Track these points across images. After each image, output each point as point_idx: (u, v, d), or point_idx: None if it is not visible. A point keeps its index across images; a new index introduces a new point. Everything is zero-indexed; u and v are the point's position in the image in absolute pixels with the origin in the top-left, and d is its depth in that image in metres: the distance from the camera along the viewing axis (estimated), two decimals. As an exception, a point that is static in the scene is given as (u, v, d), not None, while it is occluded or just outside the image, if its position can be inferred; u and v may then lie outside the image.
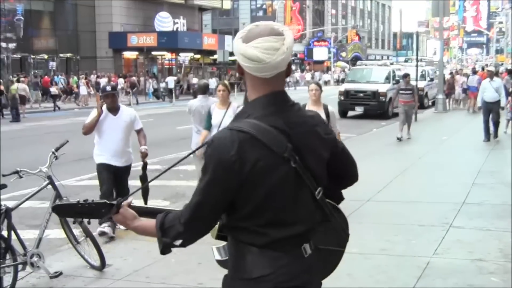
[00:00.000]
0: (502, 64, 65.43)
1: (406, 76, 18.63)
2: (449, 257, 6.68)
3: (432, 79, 31.61)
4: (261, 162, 2.30)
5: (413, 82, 22.45)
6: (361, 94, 24.85)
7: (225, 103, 8.69)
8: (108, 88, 7.79)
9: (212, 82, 41.45)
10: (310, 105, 8.23)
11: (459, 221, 8.09)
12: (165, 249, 2.45)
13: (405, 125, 17.39)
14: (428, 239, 7.33)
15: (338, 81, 60.30)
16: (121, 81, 40.98)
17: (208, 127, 8.76)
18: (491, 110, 16.31)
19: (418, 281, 5.91)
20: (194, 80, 41.87)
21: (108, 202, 2.55)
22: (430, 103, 30.22)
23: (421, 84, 29.60)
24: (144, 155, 7.79)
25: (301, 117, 2.44)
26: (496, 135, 16.56)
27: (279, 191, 2.34)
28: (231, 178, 2.30)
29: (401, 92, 18.01)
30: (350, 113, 25.58)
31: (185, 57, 48.61)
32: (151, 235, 2.49)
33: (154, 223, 2.46)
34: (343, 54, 76.99)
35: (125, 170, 7.87)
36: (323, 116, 7.73)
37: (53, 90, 33.46)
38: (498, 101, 16.45)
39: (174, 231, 2.39)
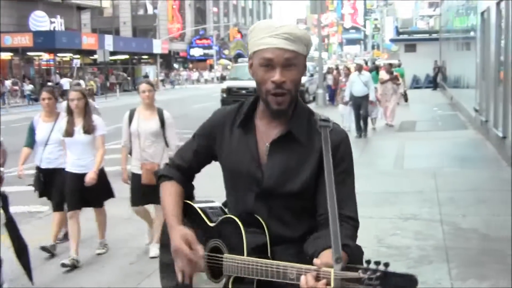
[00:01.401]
0: (378, 58, 67.99)
1: None
2: (327, 246, 6.86)
3: (312, 75, 32.36)
4: None
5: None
6: (243, 91, 25.09)
7: (51, 114, 7.05)
8: None
9: (65, 82, 40.39)
10: (142, 109, 6.84)
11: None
12: None
13: None
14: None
15: (221, 79, 60.65)
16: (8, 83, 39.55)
17: (30, 143, 7.13)
18: (360, 104, 16.11)
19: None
20: (63, 81, 41.03)
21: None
22: (311, 98, 30.95)
23: (302, 79, 30.17)
24: None
25: None
26: (365, 132, 16.33)
27: None
28: None
29: None
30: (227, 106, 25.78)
31: (76, 60, 47.23)
32: None
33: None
34: (226, 51, 77.45)
35: None
36: (157, 123, 6.74)
37: None
38: (367, 95, 16.17)
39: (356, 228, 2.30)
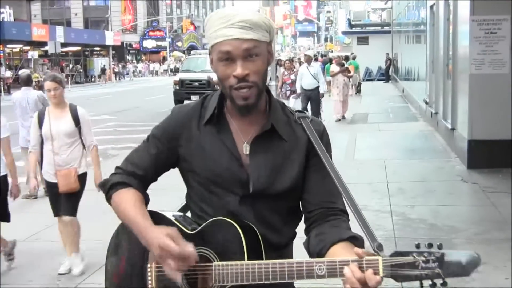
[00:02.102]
0: (332, 51, 68.48)
1: None
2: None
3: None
4: None
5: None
6: (196, 83, 24.98)
7: None
8: None
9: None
10: (52, 108, 6.08)
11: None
12: None
13: None
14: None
15: (174, 71, 60.27)
16: None
17: None
18: (310, 98, 15.96)
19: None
20: (8, 74, 40.60)
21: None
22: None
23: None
24: None
25: None
26: None
27: None
28: None
29: None
30: (186, 103, 25.77)
31: (33, 52, 46.41)
32: None
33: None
34: (179, 43, 76.94)
35: None
36: (70, 122, 6.02)
37: None
38: (317, 88, 15.83)
39: None
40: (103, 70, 56.88)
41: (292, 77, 17.02)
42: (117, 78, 59.82)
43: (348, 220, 2.08)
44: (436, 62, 15.07)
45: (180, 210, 2.30)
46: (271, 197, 2.09)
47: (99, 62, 58.03)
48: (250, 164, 2.09)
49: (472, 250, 1.72)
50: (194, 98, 24.71)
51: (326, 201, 2.09)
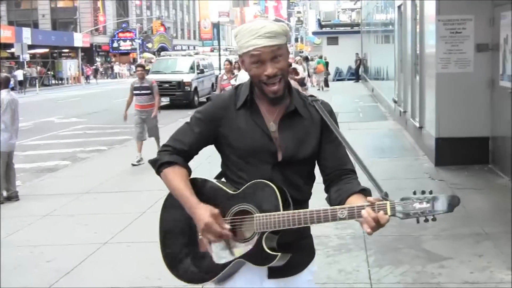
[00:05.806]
0: (302, 51, 68.70)
1: (137, 66, 13.54)
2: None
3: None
4: None
5: (216, 72, 22.04)
6: (167, 85, 24.92)
7: None
8: None
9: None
10: None
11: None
12: None
13: (144, 141, 12.42)
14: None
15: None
16: None
17: None
18: None
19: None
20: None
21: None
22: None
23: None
24: None
25: None
26: None
27: None
28: None
29: (135, 92, 12.46)
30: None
31: (25, 55, 46.09)
32: None
33: None
34: (149, 45, 76.55)
35: None
36: None
37: None
38: None
39: None
40: (96, 70, 57.76)
41: (233, 81, 14.65)
42: (90, 81, 59.51)
43: (357, 178, 2.66)
44: (404, 61, 15.23)
45: (216, 177, 2.81)
46: (296, 163, 2.66)
47: (67, 64, 57.56)
48: (278, 138, 2.65)
49: (454, 194, 2.29)
50: (165, 100, 24.57)
51: (340, 164, 2.70)
